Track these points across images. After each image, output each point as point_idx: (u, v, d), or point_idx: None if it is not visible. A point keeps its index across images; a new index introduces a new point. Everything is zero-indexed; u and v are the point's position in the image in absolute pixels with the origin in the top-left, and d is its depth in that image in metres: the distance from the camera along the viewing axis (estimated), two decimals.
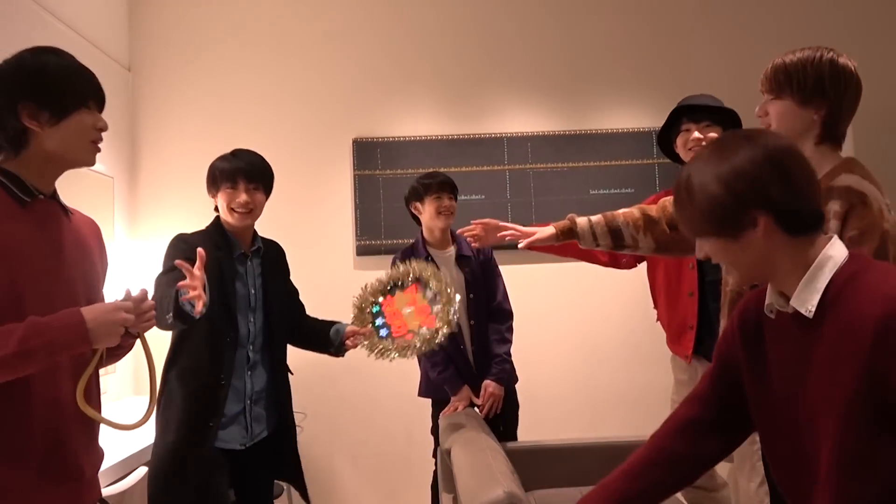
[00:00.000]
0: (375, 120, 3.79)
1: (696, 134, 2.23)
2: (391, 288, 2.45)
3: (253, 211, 2.23)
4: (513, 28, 3.87)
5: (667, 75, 3.86)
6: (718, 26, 3.92)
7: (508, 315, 2.81)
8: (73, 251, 1.42)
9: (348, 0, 3.83)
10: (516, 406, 2.86)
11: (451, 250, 2.81)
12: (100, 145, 1.43)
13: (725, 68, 3.81)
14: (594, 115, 3.85)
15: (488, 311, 2.78)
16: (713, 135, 2.23)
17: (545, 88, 3.85)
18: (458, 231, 2.38)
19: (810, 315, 1.09)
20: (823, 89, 1.50)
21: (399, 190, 3.71)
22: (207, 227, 2.30)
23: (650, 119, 3.79)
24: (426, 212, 2.76)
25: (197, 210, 3.67)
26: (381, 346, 2.34)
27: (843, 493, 1.04)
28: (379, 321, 2.41)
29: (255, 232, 2.34)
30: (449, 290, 2.36)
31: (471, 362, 2.75)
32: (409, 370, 3.65)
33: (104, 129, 1.42)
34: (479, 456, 1.95)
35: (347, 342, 2.34)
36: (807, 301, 1.09)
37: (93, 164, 1.44)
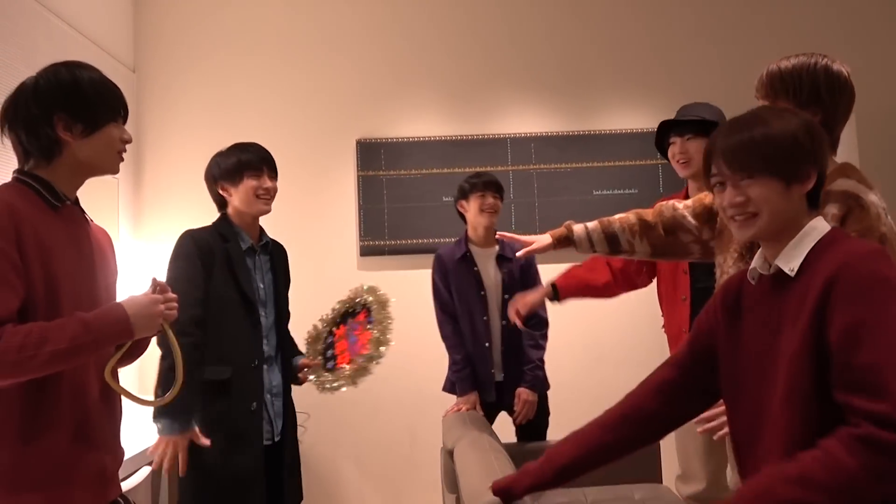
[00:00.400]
0: (379, 121, 3.79)
1: (678, 149, 2.37)
2: (344, 316, 2.45)
3: (272, 198, 2.34)
4: (516, 29, 3.87)
5: (670, 76, 3.86)
6: (721, 28, 3.92)
7: (544, 322, 2.85)
8: (95, 255, 1.51)
9: (352, 2, 3.84)
10: (547, 412, 2.89)
11: (494, 250, 2.85)
12: (128, 135, 1.52)
13: (727, 69, 3.81)
14: (598, 115, 3.85)
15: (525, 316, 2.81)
16: (693, 145, 2.34)
17: (548, 89, 3.85)
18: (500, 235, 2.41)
19: (792, 273, 1.18)
20: (819, 96, 1.53)
21: (402, 191, 3.73)
22: (215, 222, 2.35)
23: (654, 119, 3.75)
24: (471, 209, 2.82)
25: (201, 210, 3.67)
26: (320, 379, 2.32)
27: (788, 435, 1.13)
28: (329, 353, 2.40)
29: (261, 227, 2.40)
30: (385, 314, 2.36)
31: (492, 361, 2.78)
32: (413, 370, 3.66)
33: (129, 141, 1.52)
34: (482, 456, 1.96)
35: (300, 375, 2.36)
36: (791, 260, 1.19)
37: (117, 172, 1.53)
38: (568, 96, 3.86)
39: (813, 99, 1.53)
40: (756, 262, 1.27)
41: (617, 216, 2.01)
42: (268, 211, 2.33)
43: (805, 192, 1.21)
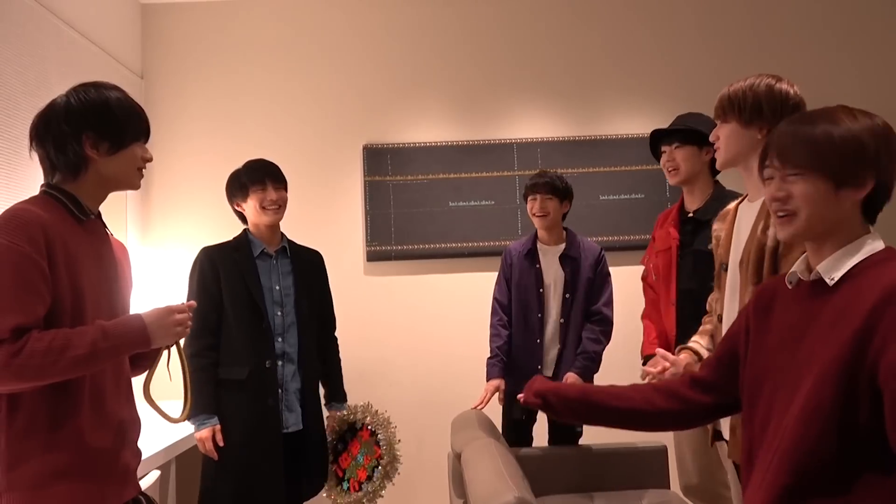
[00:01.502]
0: (385, 126, 3.81)
1: (666, 158, 2.48)
2: (345, 433, 2.66)
3: (281, 207, 2.52)
4: (522, 34, 3.88)
5: (675, 81, 3.86)
6: (726, 33, 3.92)
7: (606, 321, 2.82)
8: (114, 268, 1.59)
9: (358, 8, 3.86)
10: None
11: (560, 248, 2.86)
12: (149, 154, 1.60)
13: (733, 74, 3.80)
14: (604, 120, 3.86)
15: (588, 314, 2.83)
16: (680, 154, 2.44)
17: (554, 94, 3.86)
18: None
19: (832, 283, 1.15)
20: (761, 112, 1.64)
21: (409, 196, 3.74)
22: (235, 237, 2.57)
23: (659, 124, 3.77)
24: (529, 211, 2.89)
25: (209, 216, 3.70)
26: (335, 492, 2.57)
27: (796, 450, 1.10)
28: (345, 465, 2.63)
29: (282, 235, 2.61)
30: (393, 454, 2.58)
31: (541, 358, 2.78)
32: (420, 373, 3.66)
33: (150, 160, 1.60)
34: (491, 461, 1.96)
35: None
36: (833, 270, 1.16)
37: (138, 188, 1.62)
38: (574, 101, 3.86)
39: (756, 115, 1.64)
40: (797, 266, 1.24)
41: (694, 339, 1.95)
42: (275, 220, 2.52)
43: (859, 198, 1.16)
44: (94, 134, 1.48)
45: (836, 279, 1.15)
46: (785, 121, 1.26)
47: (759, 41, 3.90)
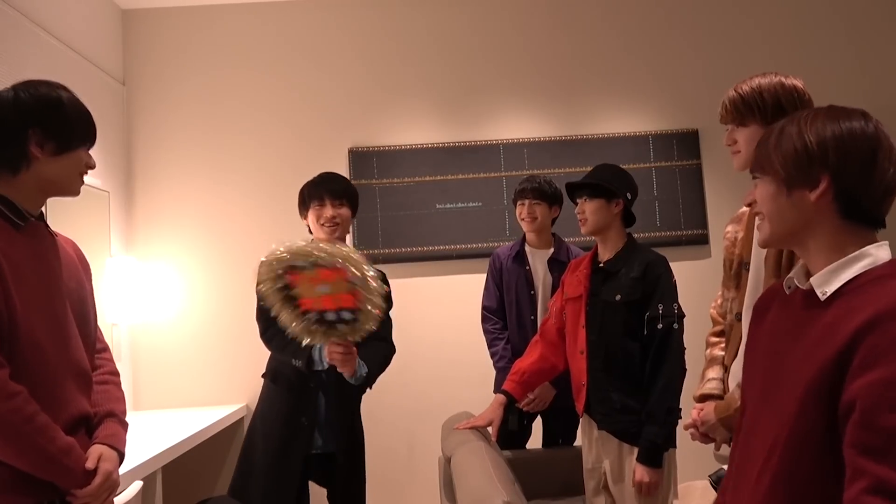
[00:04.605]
0: (371, 129, 3.79)
1: (578, 209, 2.40)
2: (303, 266, 2.06)
3: (339, 225, 2.43)
4: (507, 35, 3.88)
5: (660, 80, 3.86)
6: (709, 32, 3.93)
7: None
8: (62, 270, 1.49)
9: (341, 11, 3.84)
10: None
11: (549, 252, 2.87)
12: (93, 161, 1.52)
13: (716, 72, 3.82)
14: (590, 120, 3.85)
15: None
16: (588, 206, 2.36)
17: (540, 94, 3.85)
18: None
19: (823, 297, 1.08)
20: (783, 110, 1.59)
21: (395, 199, 3.72)
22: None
23: (646, 123, 3.79)
24: (518, 216, 2.89)
25: (192, 223, 3.67)
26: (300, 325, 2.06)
27: (789, 474, 1.04)
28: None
29: None
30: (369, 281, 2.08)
31: None
32: (411, 377, 3.64)
33: (93, 167, 1.53)
34: (480, 464, 1.94)
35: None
36: (825, 284, 1.08)
37: (78, 194, 1.53)
38: (560, 101, 3.86)
39: (778, 113, 1.58)
40: (796, 272, 1.18)
41: (712, 374, 1.86)
42: (331, 238, 2.38)
43: (816, 199, 1.09)
44: (42, 131, 1.40)
45: (827, 293, 1.08)
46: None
47: (743, 39, 3.92)
